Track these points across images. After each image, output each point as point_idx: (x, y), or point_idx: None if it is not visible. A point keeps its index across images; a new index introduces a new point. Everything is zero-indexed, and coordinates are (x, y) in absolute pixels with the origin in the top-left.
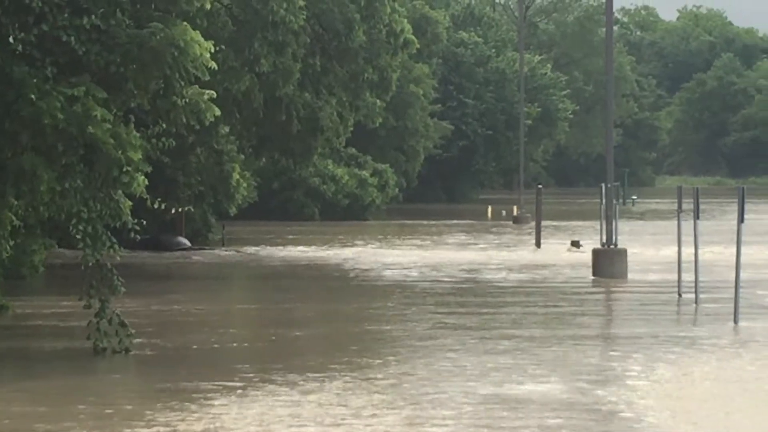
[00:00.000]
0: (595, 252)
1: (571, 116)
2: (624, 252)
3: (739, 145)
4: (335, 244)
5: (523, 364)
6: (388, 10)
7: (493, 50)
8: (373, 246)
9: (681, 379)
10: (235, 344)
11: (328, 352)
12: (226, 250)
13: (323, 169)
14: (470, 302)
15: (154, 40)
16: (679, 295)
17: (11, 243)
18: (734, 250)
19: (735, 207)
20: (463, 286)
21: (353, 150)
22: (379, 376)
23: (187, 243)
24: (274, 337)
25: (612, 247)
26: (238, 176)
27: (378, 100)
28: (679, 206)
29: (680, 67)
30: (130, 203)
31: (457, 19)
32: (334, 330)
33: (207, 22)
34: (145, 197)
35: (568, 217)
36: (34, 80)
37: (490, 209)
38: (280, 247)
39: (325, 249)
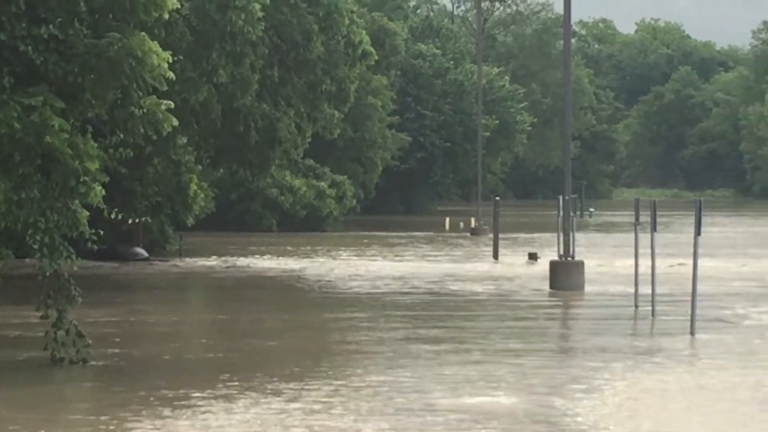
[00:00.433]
0: (552, 264)
1: (529, 128)
2: (581, 264)
3: (696, 158)
4: (297, 255)
5: (481, 376)
6: (347, 21)
7: (452, 62)
8: (334, 257)
9: (636, 390)
10: (210, 354)
11: (303, 362)
12: (183, 261)
13: (281, 180)
14: (434, 315)
15: (112, 50)
16: (636, 307)
17: None
18: (692, 262)
19: (692, 219)
20: (428, 298)
21: (311, 161)
22: (362, 384)
23: (145, 254)
24: (248, 348)
25: (569, 259)
26: (195, 187)
27: (336, 112)
28: (637, 218)
29: (638, 79)
30: (88, 213)
31: (415, 31)
32: (307, 340)
33: (165, 33)
34: (102, 207)
35: (526, 229)
36: None
37: (448, 221)
38: (243, 258)
39: (287, 260)
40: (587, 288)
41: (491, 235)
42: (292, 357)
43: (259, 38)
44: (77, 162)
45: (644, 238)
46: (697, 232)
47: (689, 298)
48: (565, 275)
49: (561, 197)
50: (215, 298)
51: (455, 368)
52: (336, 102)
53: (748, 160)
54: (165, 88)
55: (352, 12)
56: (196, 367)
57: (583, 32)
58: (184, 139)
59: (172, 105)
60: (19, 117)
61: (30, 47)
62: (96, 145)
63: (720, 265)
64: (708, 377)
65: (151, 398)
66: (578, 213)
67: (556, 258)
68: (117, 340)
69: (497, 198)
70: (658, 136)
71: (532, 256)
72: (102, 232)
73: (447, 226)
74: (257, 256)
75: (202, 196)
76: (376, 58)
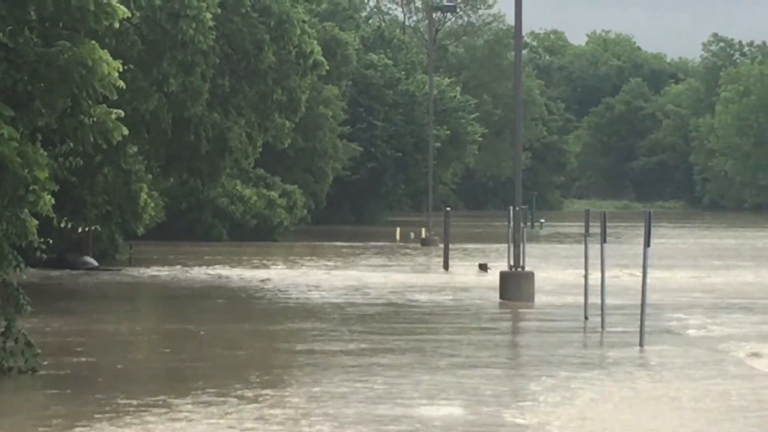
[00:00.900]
0: (502, 275)
1: (480, 139)
2: (531, 275)
3: (646, 169)
4: (250, 265)
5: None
6: (298, 31)
7: (403, 73)
8: (288, 267)
9: (583, 401)
10: (177, 363)
11: (272, 370)
12: (134, 270)
13: (231, 189)
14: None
15: (62, 58)
16: (586, 318)
17: None
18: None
19: (642, 231)
20: (389, 309)
21: (262, 171)
22: (338, 391)
23: (95, 262)
24: (215, 357)
25: (519, 270)
26: (145, 196)
27: (287, 121)
28: (587, 230)
29: (589, 91)
30: (37, 222)
31: (367, 41)
32: (272, 349)
33: (116, 41)
34: (51, 216)
35: (476, 240)
36: None
37: (398, 231)
38: (196, 267)
39: (240, 269)
40: (537, 299)
41: (442, 246)
42: (262, 365)
43: (210, 47)
44: (26, 170)
45: (594, 249)
46: (647, 244)
47: (639, 310)
48: (515, 286)
49: (511, 208)
50: (174, 307)
51: (406, 379)
52: (287, 112)
53: (698, 171)
54: (115, 97)
55: (304, 22)
56: (166, 375)
57: (535, 43)
58: (135, 148)
59: (123, 114)
60: None
61: None
62: (45, 153)
63: (670, 276)
64: (655, 389)
65: (107, 408)
66: (529, 224)
67: (506, 269)
68: (79, 349)
69: (448, 209)
70: (609, 147)
71: (483, 267)
72: (51, 241)
73: (398, 237)
74: (211, 265)
75: (153, 205)
76: (328, 68)
